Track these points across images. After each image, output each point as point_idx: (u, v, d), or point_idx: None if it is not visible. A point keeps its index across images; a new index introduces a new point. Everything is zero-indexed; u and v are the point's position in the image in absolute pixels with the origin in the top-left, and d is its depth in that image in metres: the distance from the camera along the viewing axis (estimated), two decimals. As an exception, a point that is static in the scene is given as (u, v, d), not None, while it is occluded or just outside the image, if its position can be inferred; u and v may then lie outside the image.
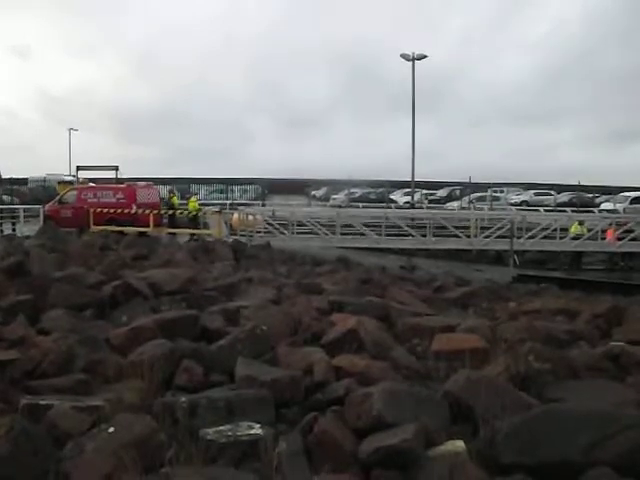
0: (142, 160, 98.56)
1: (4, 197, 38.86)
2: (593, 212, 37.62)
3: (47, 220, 24.76)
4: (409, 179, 45.31)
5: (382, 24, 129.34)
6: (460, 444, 3.65)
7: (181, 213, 27.12)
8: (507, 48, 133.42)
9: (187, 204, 28.49)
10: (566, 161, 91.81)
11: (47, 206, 27.46)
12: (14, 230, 24.45)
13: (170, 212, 26.61)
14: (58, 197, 28.77)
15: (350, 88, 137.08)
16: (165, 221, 26.68)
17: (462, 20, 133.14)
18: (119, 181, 36.01)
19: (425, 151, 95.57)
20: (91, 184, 34.85)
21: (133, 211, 25.29)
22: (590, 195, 50.54)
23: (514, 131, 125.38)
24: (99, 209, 25.27)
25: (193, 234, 24.56)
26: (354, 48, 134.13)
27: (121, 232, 21.93)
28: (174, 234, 24.89)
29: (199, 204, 29.95)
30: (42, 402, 4.12)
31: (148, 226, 24.68)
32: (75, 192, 28.32)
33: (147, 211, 25.04)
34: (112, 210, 25.27)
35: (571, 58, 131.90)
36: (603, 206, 44.36)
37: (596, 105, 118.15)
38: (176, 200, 29.37)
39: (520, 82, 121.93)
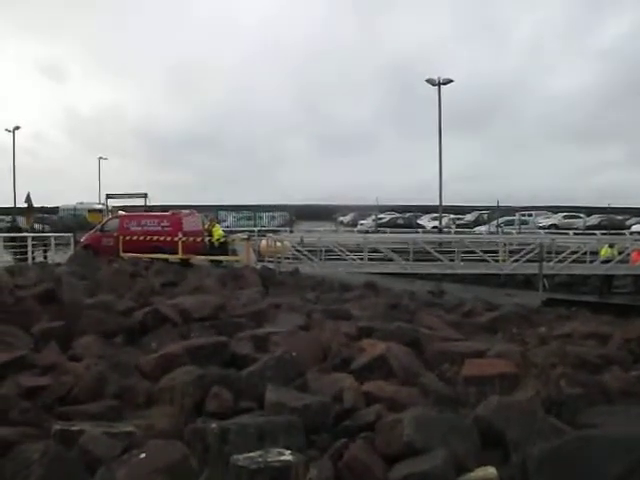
0: (170, 186, 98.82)
1: (35, 225, 39.47)
2: (624, 234, 37.07)
3: (87, 249, 24.38)
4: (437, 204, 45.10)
5: (422, 43, 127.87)
6: (492, 470, 3.61)
7: (218, 240, 26.73)
8: (561, 65, 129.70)
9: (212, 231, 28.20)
10: (611, 182, 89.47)
11: (87, 235, 27.19)
12: (45, 257, 24.76)
13: (212, 240, 26.10)
14: (99, 225, 28.16)
15: (382, 112, 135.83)
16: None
17: (514, 37, 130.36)
18: (148, 208, 36.28)
19: (466, 173, 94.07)
20: (121, 212, 35.08)
21: (181, 239, 24.57)
22: (620, 217, 49.89)
23: (560, 151, 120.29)
24: (144, 237, 24.79)
25: (220, 261, 24.50)
26: (386, 71, 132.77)
27: (166, 260, 21.71)
28: (216, 262, 24.54)
29: (224, 231, 29.80)
30: (74, 428, 4.15)
31: (195, 254, 24.63)
32: (117, 220, 27.73)
33: (191, 239, 24.89)
34: (157, 238, 24.78)
35: (627, 75, 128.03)
36: (634, 228, 43.79)
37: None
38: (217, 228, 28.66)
39: (575, 100, 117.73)
